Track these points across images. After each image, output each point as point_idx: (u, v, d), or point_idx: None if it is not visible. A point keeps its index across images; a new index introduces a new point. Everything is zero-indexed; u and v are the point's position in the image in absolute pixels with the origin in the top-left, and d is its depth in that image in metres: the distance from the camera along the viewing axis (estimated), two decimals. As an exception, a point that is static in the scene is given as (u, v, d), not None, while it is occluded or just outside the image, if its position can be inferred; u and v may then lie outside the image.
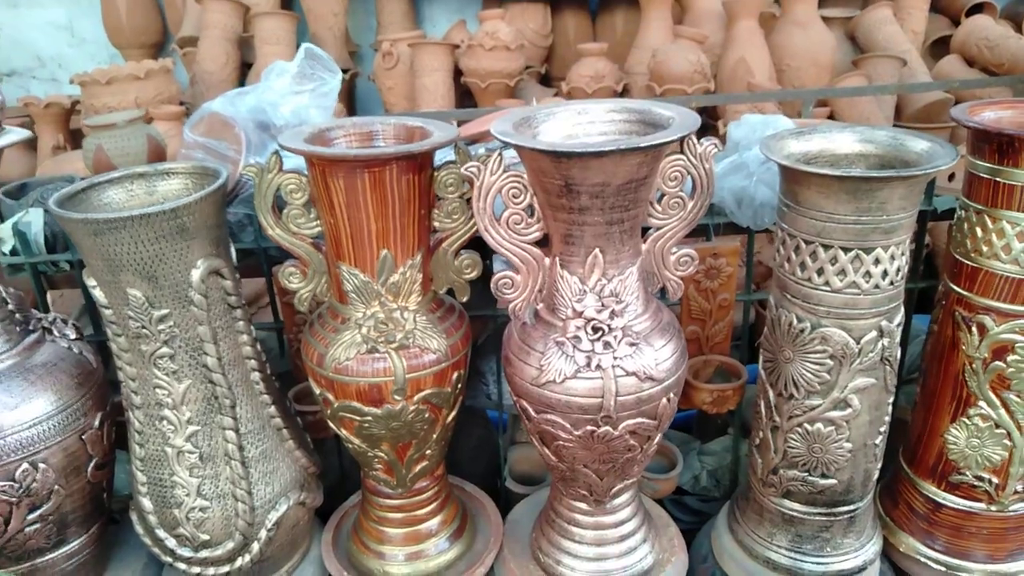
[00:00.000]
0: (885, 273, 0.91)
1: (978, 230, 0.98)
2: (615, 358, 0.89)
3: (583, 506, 1.06)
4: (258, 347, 1.01)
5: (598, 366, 0.89)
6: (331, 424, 1.00)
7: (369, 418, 0.95)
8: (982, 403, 1.03)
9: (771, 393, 1.04)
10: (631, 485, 1.05)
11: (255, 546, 1.00)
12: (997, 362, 1.00)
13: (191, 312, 0.89)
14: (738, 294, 1.30)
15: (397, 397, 0.94)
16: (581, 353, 0.89)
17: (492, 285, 0.93)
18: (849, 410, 0.98)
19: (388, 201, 0.87)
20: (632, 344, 0.90)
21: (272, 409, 1.01)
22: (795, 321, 0.97)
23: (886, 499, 1.21)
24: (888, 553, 1.18)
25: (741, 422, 1.41)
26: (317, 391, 0.98)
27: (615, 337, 0.89)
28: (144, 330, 0.89)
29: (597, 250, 0.88)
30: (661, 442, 1.38)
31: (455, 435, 1.53)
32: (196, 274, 0.88)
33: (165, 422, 0.93)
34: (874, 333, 0.94)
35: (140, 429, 0.95)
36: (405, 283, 0.93)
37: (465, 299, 1.01)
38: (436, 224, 0.96)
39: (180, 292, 0.88)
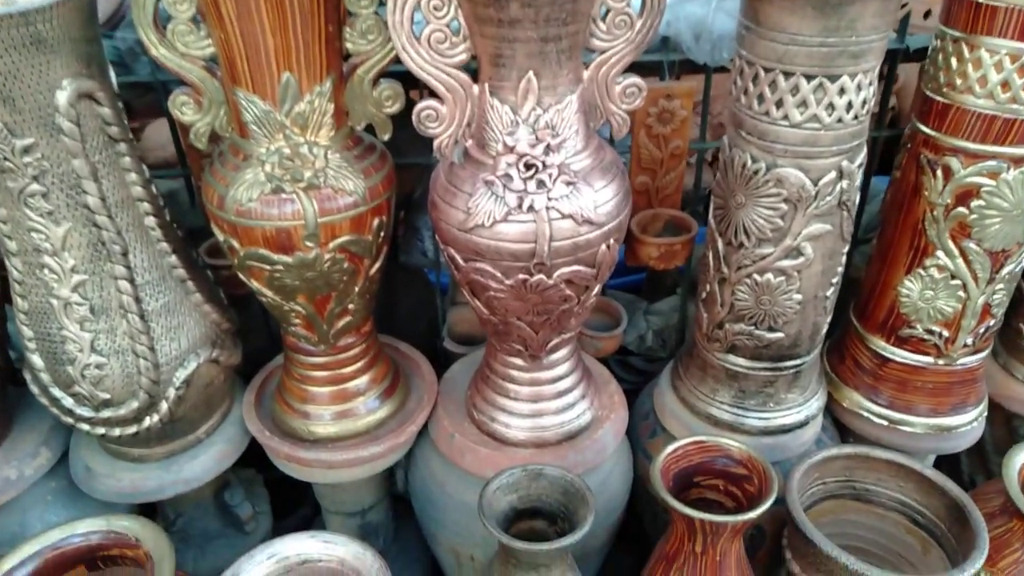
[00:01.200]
0: (850, 105, 0.82)
1: (953, 60, 0.88)
2: (550, 199, 0.80)
3: (518, 362, 1.00)
4: (153, 190, 0.90)
5: (531, 208, 0.80)
6: (241, 275, 0.91)
7: (280, 267, 0.86)
8: (940, 253, 0.98)
9: (720, 243, 0.97)
10: (569, 340, 0.99)
11: (163, 405, 0.93)
12: (960, 208, 0.94)
13: (62, 143, 0.77)
14: (692, 143, 1.21)
15: (309, 244, 0.85)
16: (512, 193, 0.80)
17: (414, 118, 0.82)
18: (801, 259, 0.92)
19: (286, 10, 0.74)
20: (569, 184, 0.81)
21: (173, 259, 0.91)
22: (749, 162, 0.89)
23: (833, 355, 1.18)
24: (831, 409, 1.16)
25: (690, 281, 1.35)
26: (221, 238, 0.88)
27: (550, 175, 0.80)
28: (8, 163, 0.77)
29: (531, 73, 0.77)
30: (605, 300, 1.32)
31: (392, 296, 1.46)
32: (62, 97, 0.75)
33: (46, 271, 0.83)
34: (833, 174, 0.87)
35: (20, 279, 0.85)
36: (313, 114, 0.82)
37: (387, 136, 0.90)
38: (349, 46, 0.84)
39: (45, 118, 0.76)
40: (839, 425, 1.17)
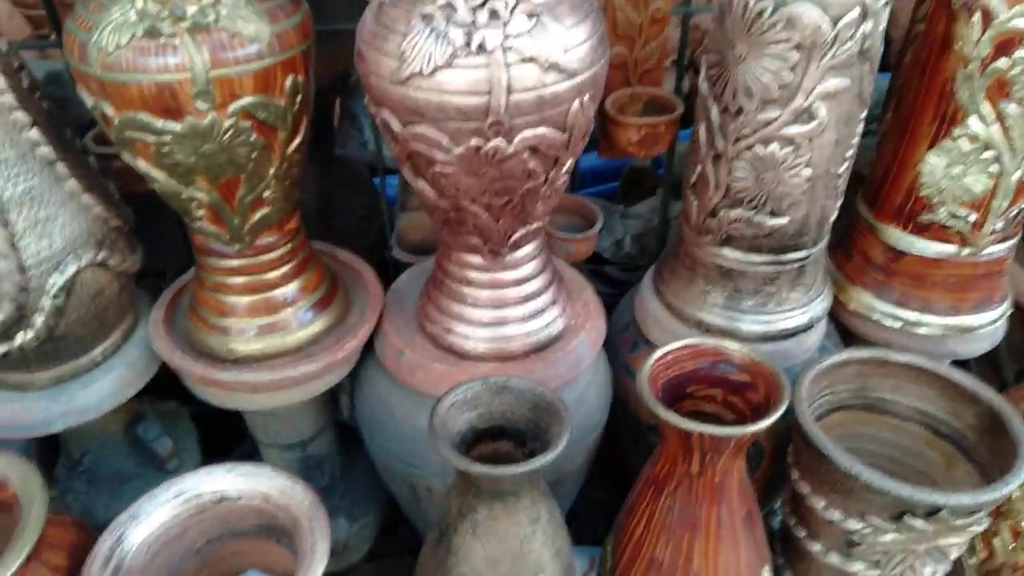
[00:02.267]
0: (883, -87, 0.65)
1: None
2: (506, 36, 0.63)
3: (476, 260, 0.84)
4: (8, 58, 0.70)
5: (481, 48, 0.62)
6: (123, 154, 0.73)
7: (168, 138, 0.68)
8: (971, 119, 0.82)
9: (714, 111, 0.81)
10: (536, 232, 0.83)
11: (37, 319, 0.75)
12: (999, 61, 0.78)
13: None
14: (674, 6, 1.03)
15: (201, 105, 0.66)
16: (457, 29, 0.62)
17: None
18: (813, 123, 0.76)
19: None
20: (531, 16, 0.63)
21: (34, 134, 0.72)
22: (752, 0, 0.72)
23: (837, 253, 1.03)
24: (835, 314, 1.02)
25: (673, 180, 1.19)
26: (91, 104, 0.69)
27: (506, 4, 0.62)
28: None
29: None
30: (577, 199, 1.16)
31: (331, 200, 1.28)
32: None
33: None
34: (856, 12, 0.70)
35: None
36: (196, -71, 0.63)
37: (302, -24, 0.71)
38: None
39: None
40: (843, 332, 1.03)
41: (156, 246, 0.95)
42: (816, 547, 0.82)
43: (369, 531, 1.11)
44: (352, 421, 1.02)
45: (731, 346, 0.78)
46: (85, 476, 0.97)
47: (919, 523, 0.71)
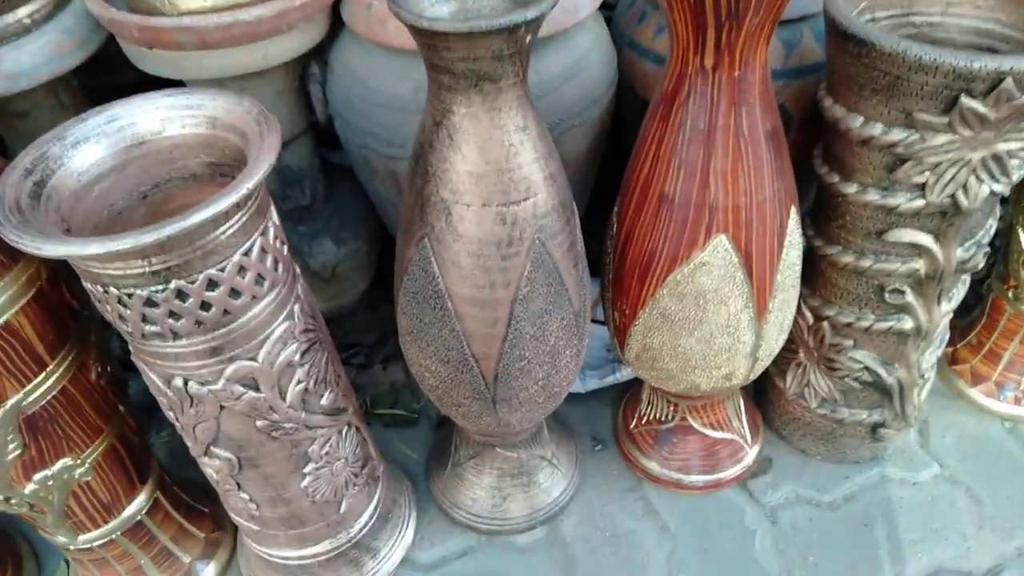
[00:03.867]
0: None
1: None
2: None
3: None
4: None
5: None
6: None
7: None
8: None
9: None
10: None
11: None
12: None
13: None
14: None
15: None
16: None
17: None
18: None
19: None
20: None
21: None
22: None
23: None
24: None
25: None
26: None
27: None
28: None
29: None
30: None
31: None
32: None
33: None
34: None
35: None
36: None
37: None
38: None
39: None
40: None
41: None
42: (852, 188, 0.72)
43: (361, 259, 1.03)
44: (326, 121, 0.92)
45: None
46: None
47: (977, 106, 0.60)
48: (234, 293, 0.59)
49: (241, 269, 0.59)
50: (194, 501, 0.91)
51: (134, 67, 0.82)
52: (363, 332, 1.15)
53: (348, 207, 1.02)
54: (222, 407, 0.65)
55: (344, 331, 1.15)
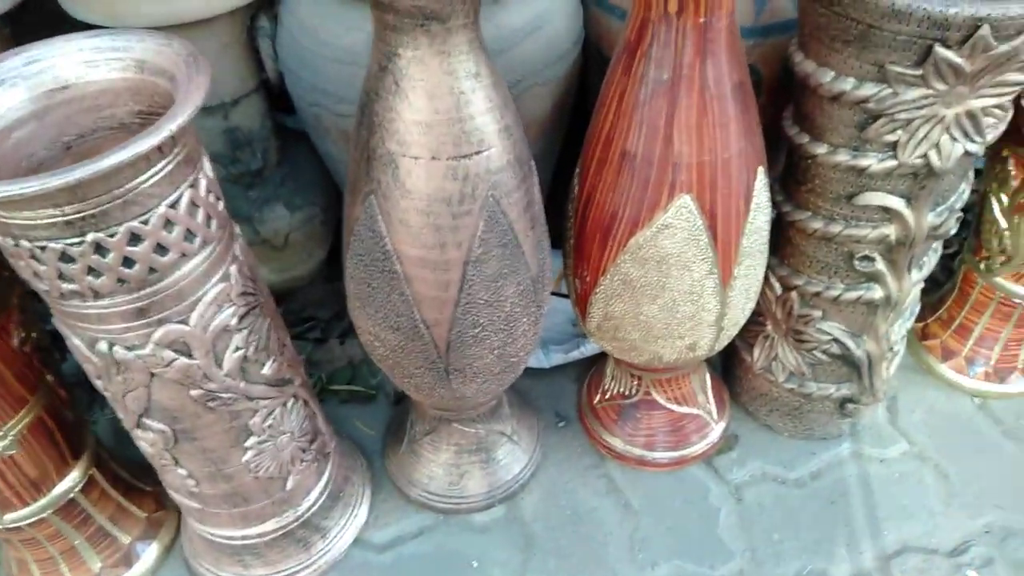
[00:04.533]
0: None
1: None
2: None
3: None
4: None
5: None
6: None
7: None
8: None
9: None
10: None
11: None
12: None
13: None
14: None
15: None
16: None
17: None
18: None
19: None
20: None
21: None
22: None
23: None
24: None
25: None
26: None
27: None
28: None
29: None
30: None
31: None
32: None
33: None
34: None
35: None
36: None
37: None
38: None
39: None
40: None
41: None
42: (822, 149, 0.69)
43: (316, 227, 0.99)
44: (277, 79, 0.88)
45: None
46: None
47: (952, 56, 0.57)
48: (160, 249, 0.55)
49: (167, 223, 0.54)
50: (135, 479, 0.87)
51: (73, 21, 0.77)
52: (319, 306, 1.11)
53: (302, 172, 0.97)
54: (152, 374, 0.61)
55: (300, 304, 1.10)
